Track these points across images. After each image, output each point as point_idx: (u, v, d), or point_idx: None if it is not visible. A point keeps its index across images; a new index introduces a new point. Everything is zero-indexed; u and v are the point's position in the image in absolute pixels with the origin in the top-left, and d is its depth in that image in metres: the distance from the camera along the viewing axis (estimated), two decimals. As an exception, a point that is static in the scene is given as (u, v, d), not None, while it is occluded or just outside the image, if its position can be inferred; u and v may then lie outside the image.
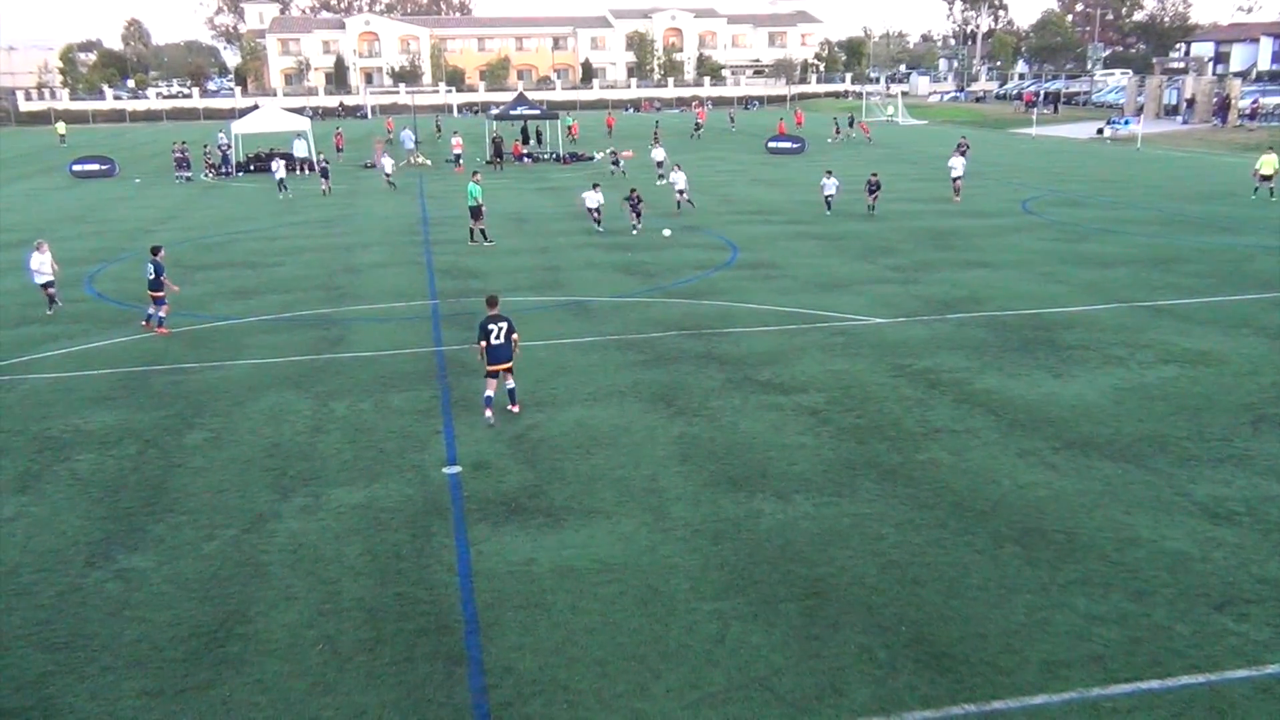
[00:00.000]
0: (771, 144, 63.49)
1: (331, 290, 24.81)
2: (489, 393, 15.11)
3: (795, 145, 62.27)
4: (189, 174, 52.87)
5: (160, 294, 20.93)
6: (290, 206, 41.07)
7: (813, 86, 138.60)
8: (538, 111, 62.47)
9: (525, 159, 59.06)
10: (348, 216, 38.10)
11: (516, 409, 15.39)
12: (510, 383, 15.35)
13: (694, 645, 9.28)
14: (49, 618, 10.01)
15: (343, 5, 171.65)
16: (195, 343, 20.13)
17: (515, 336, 15.23)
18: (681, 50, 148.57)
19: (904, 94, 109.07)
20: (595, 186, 34.08)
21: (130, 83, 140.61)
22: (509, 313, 16.10)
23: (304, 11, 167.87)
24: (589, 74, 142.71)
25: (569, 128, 68.29)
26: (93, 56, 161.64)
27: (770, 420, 15.09)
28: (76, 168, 56.01)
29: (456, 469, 13.47)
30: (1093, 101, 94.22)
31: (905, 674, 8.78)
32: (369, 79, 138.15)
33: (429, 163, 57.75)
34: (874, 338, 19.46)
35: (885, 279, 24.83)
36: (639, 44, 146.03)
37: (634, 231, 31.94)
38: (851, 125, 75.55)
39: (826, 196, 35.98)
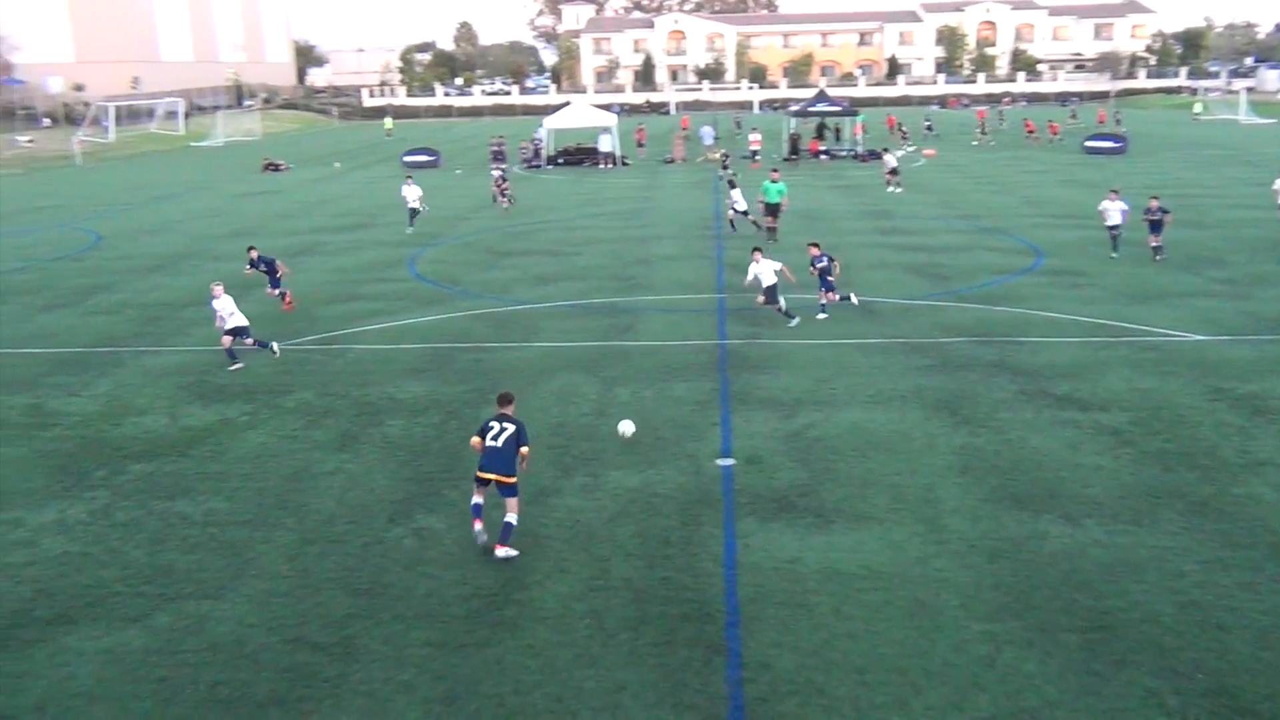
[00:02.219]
0: (1089, 144, 59.43)
1: (624, 280, 25.69)
2: (476, 499, 11.32)
3: (1117, 145, 57.94)
4: (505, 166, 56.44)
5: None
6: (592, 199, 42.89)
7: (1140, 82, 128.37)
8: (838, 108, 61.70)
9: (822, 155, 58.55)
10: (645, 209, 39.29)
11: (503, 552, 10.99)
12: (511, 514, 11.13)
13: (960, 665, 8.88)
14: (355, 565, 11.03)
15: (653, 5, 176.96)
16: (498, 324, 21.47)
17: (524, 451, 11.30)
18: (995, 44, 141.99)
19: (1249, 90, 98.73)
20: (733, 186, 33.29)
21: (458, 81, 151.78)
22: (793, 306, 15.98)
23: (617, 12, 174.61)
24: (894, 70, 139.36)
25: (857, 126, 66.86)
26: (427, 57, 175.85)
27: (1064, 437, 14.15)
28: (407, 158, 61.19)
29: (730, 462, 13.59)
30: None
31: (1198, 726, 8.00)
32: (674, 76, 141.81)
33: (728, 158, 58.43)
34: (1191, 356, 17.80)
35: (1210, 292, 22.62)
36: (949, 38, 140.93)
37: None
38: (1075, 116, 68.85)
39: (1111, 229, 26.80)
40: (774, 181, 30.99)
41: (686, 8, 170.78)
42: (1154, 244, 26.02)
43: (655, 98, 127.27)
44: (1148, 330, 19.53)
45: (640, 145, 63.51)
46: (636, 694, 8.64)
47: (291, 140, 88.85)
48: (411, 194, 34.20)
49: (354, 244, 32.59)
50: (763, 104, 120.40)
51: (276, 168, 60.75)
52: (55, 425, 15.82)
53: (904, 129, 68.52)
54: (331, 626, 9.82)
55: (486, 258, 29.59)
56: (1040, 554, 10.82)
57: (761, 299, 20.40)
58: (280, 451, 14.45)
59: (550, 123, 59.37)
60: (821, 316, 21.03)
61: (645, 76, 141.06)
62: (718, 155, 59.13)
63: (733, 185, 33.22)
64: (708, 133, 62.92)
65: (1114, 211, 26.59)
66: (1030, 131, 68.15)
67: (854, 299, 21.70)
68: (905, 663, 8.94)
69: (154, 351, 19.96)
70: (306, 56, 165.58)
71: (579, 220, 36.73)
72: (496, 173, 40.91)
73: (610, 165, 55.74)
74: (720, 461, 13.62)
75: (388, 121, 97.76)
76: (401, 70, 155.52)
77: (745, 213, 32.01)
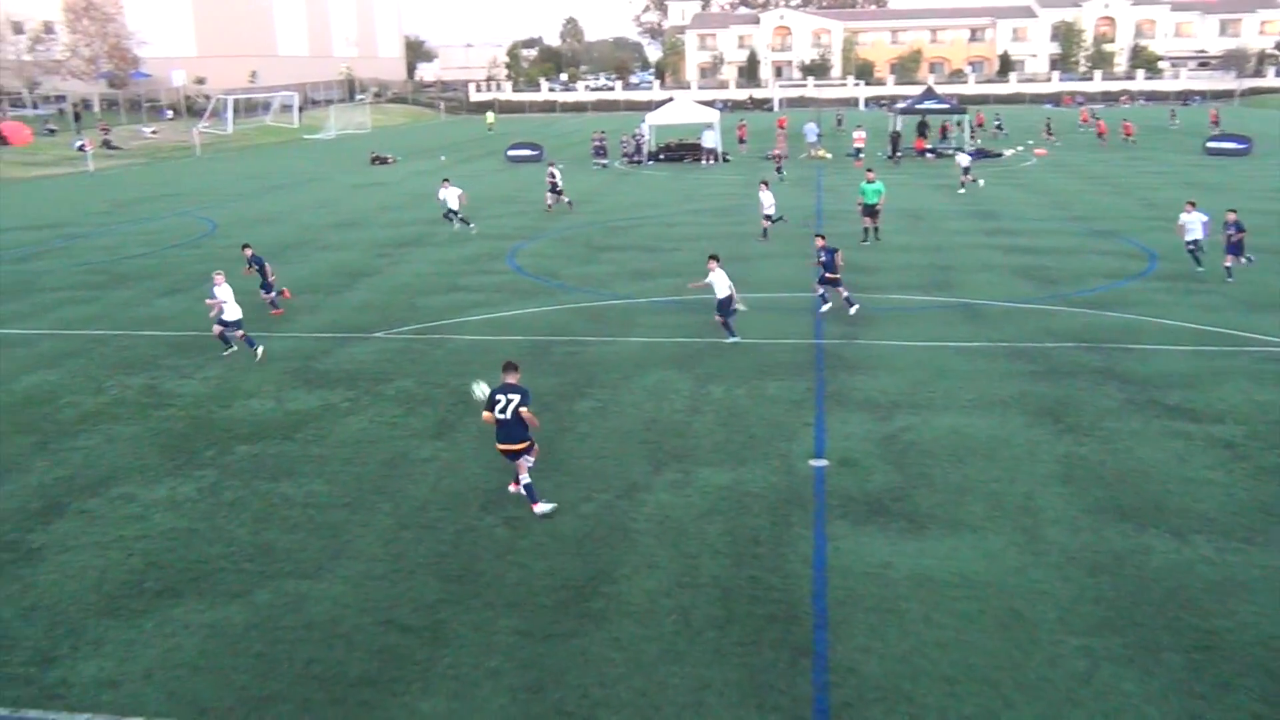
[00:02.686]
0: (1211, 144, 57.07)
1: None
2: (525, 479, 12.07)
3: (1241, 146, 55.51)
4: (605, 161, 56.83)
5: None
6: (691, 195, 42.82)
7: (1269, 80, 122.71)
8: (946, 105, 60.40)
9: (928, 154, 57.44)
10: (745, 206, 39.05)
11: (541, 508, 11.95)
12: (524, 475, 11.97)
13: (1055, 680, 8.63)
14: (447, 552, 11.23)
15: (759, 1, 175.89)
16: (594, 318, 21.60)
17: (525, 411, 11.75)
18: (1114, 40, 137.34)
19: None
20: (765, 184, 32.54)
21: (563, 77, 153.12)
22: (891, 310, 15.73)
23: (723, 8, 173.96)
24: (1006, 66, 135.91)
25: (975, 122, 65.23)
26: (534, 53, 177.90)
27: (1174, 449, 13.63)
28: (511, 153, 61.98)
29: (823, 463, 13.44)
30: None
31: (1310, 756, 7.63)
32: (779, 72, 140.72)
33: (829, 156, 57.82)
34: (1315, 368, 16.97)
35: (1338, 302, 21.52)
36: (1065, 34, 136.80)
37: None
38: (1174, 116, 64.38)
39: (1190, 244, 24.67)
40: (870, 182, 30.38)
41: (793, 3, 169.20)
42: (1228, 264, 23.49)
43: (759, 94, 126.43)
44: (1272, 340, 18.68)
45: (742, 142, 63.16)
46: (721, 693, 8.61)
47: (399, 134, 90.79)
48: (450, 196, 33.62)
49: (457, 236, 33.15)
50: (868, 101, 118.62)
51: (384, 161, 62.16)
52: (169, 405, 16.47)
53: (999, 124, 66.40)
54: (423, 610, 10.01)
55: (585, 252, 29.80)
56: (1144, 569, 10.45)
57: (719, 318, 19.47)
58: (379, 437, 14.79)
59: (653, 118, 59.47)
60: (825, 308, 21.32)
61: (749, 73, 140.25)
62: (820, 153, 58.52)
63: (765, 186, 32.35)
64: (811, 130, 62.19)
65: (1194, 225, 24.54)
66: (1101, 133, 65.26)
67: (852, 310, 21.14)
68: (997, 675, 8.73)
69: (262, 337, 20.59)
70: (416, 52, 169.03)
71: (678, 216, 36.72)
72: (551, 169, 40.23)
73: (711, 161, 55.58)
74: (813, 462, 13.48)
75: (489, 116, 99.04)
76: (508, 66, 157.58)
77: (780, 218, 31.41)
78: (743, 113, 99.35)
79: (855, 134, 58.20)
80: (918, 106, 59.64)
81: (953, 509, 11.98)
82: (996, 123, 72.59)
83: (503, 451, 12.05)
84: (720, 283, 19.30)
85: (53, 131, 75.40)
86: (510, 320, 21.59)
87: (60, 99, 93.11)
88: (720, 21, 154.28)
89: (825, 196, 41.49)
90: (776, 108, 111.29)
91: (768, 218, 31.16)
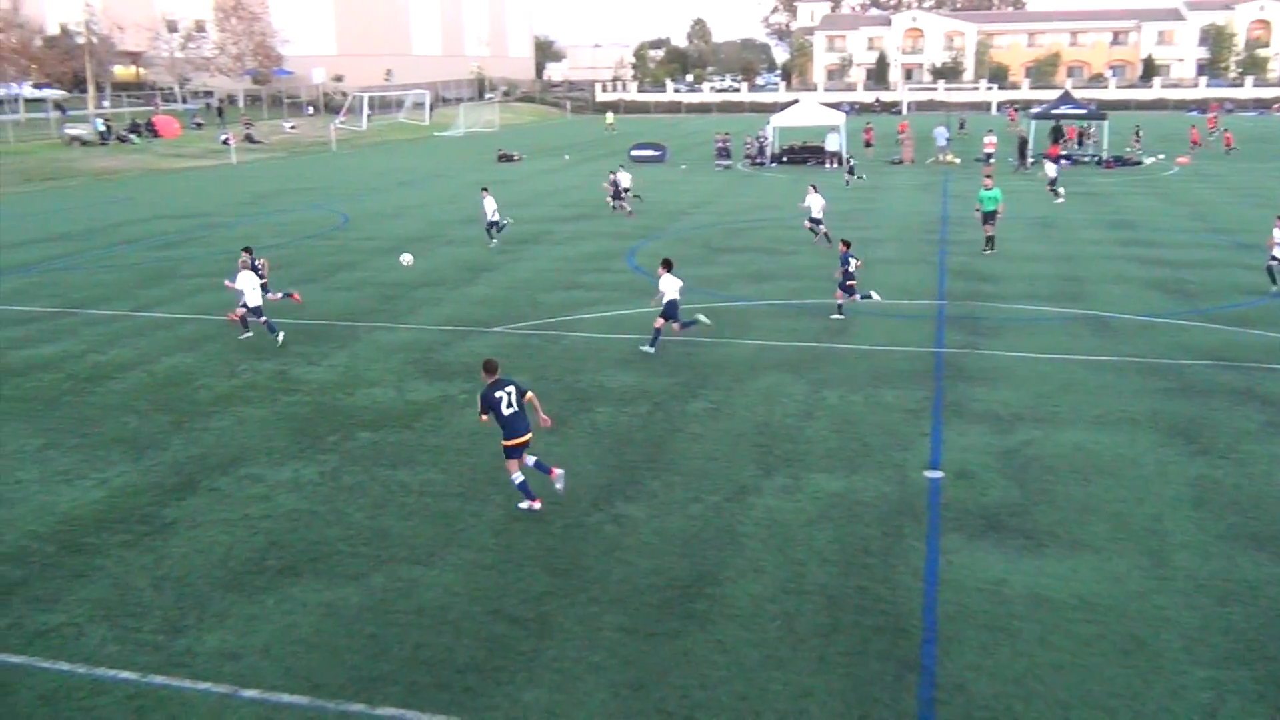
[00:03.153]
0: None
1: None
2: (519, 477, 12.23)
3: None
4: (729, 162, 56.70)
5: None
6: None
7: None
8: (1083, 111, 58.37)
9: (1062, 161, 55.53)
10: (868, 210, 38.49)
11: (559, 473, 12.32)
12: (518, 474, 12.21)
13: (1177, 711, 8.25)
14: (555, 546, 11.36)
15: (891, 3, 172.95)
16: (710, 319, 21.51)
17: (530, 395, 12.29)
18: (1268, 45, 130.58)
19: None
20: (814, 188, 31.50)
21: (689, 78, 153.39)
22: (1015, 320, 15.27)
23: (853, 9, 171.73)
24: (1150, 71, 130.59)
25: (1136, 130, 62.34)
26: (660, 53, 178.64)
27: (1318, 476, 12.88)
28: (635, 152, 62.37)
29: (939, 474, 13.14)
30: None
31: None
32: (908, 75, 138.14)
33: (957, 161, 56.51)
34: None
35: None
36: (1215, 38, 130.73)
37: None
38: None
39: (1275, 259, 23.14)
40: (988, 189, 29.35)
41: (925, 5, 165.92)
42: None
43: (887, 97, 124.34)
44: None
45: (868, 145, 62.24)
46: (823, 702, 8.49)
47: (526, 132, 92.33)
48: (489, 206, 31.45)
49: (577, 234, 33.53)
50: (1001, 105, 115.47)
51: (510, 158, 63.30)
52: (296, 391, 17.09)
53: (1139, 133, 63.52)
54: (529, 602, 10.15)
55: (704, 253, 29.77)
56: (1279, 600, 9.91)
57: (673, 324, 18.99)
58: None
59: (777, 120, 59.08)
60: (836, 317, 21.08)
61: (878, 75, 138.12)
62: (949, 158, 57.21)
63: (814, 189, 31.45)
64: (941, 133, 60.81)
65: None
66: (1194, 143, 61.76)
67: (875, 295, 21.41)
68: (1115, 703, 8.38)
69: (387, 328, 21.21)
70: (545, 52, 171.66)
71: (799, 219, 36.33)
72: (612, 175, 39.63)
73: (835, 165, 54.91)
74: (928, 473, 13.18)
75: (609, 116, 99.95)
76: (634, 66, 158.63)
77: (818, 220, 30.41)
78: (870, 116, 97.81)
79: (985, 139, 56.68)
80: (1053, 111, 57.79)
81: (1074, 528, 11.56)
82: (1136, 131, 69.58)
83: (515, 446, 12.08)
84: (671, 287, 18.89)
85: (200, 126, 79.13)
86: (626, 319, 21.72)
87: (208, 94, 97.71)
88: (850, 23, 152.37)
89: (951, 203, 40.54)
90: (905, 111, 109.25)
91: (816, 221, 30.38)
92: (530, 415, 12.33)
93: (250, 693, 8.72)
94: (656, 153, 61.83)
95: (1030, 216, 35.49)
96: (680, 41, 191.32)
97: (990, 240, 29.02)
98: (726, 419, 15.35)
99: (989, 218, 28.97)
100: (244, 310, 20.04)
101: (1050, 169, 41.52)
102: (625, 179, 39.35)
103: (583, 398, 16.46)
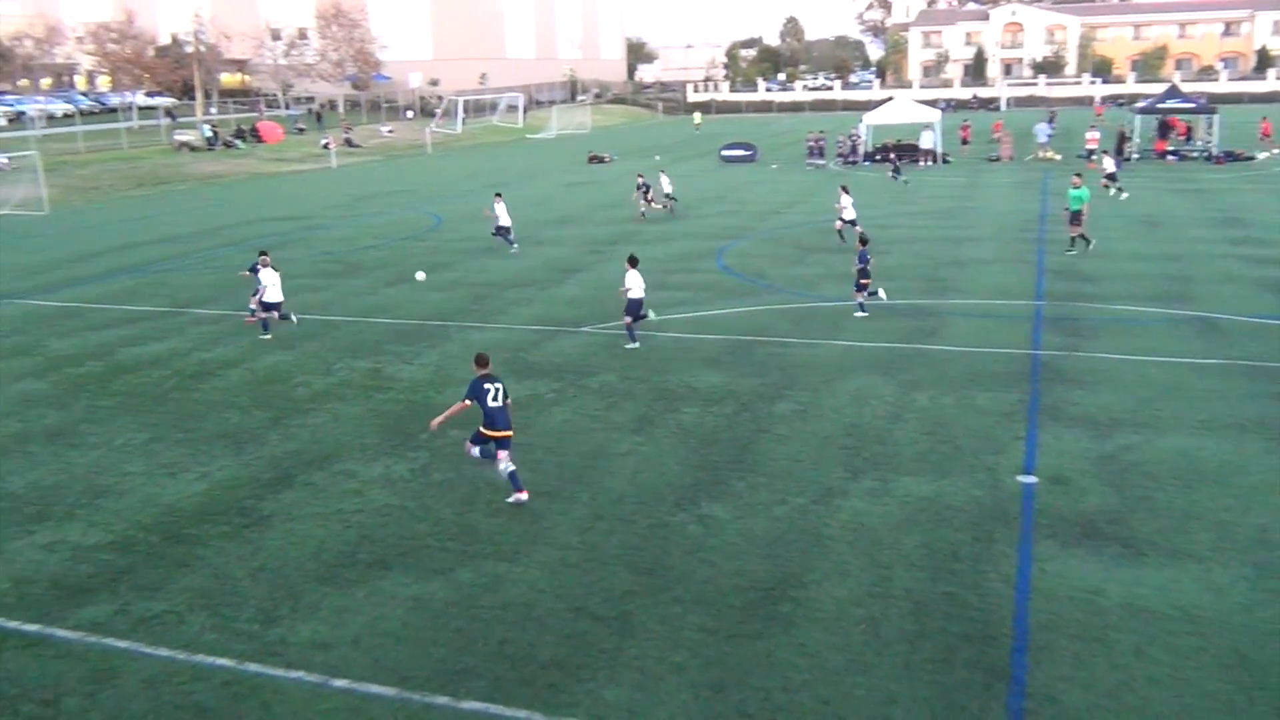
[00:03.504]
0: None
1: (933, 282, 24.81)
2: (509, 467, 12.43)
3: None
4: (821, 161, 56.14)
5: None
6: (907, 196, 41.67)
7: None
8: (1191, 105, 56.25)
9: (1169, 156, 53.68)
10: (963, 209, 37.73)
11: (523, 496, 12.47)
12: (507, 464, 12.42)
13: (1284, 730, 7.90)
14: (639, 545, 11.39)
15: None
16: (799, 320, 21.38)
17: (509, 402, 12.53)
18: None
19: None
20: (845, 189, 30.61)
21: (781, 76, 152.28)
22: (1117, 322, 14.80)
23: (950, 4, 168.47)
24: (1264, 62, 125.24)
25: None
26: (752, 53, 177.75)
27: None
28: (725, 152, 62.19)
29: (1032, 479, 12.80)
30: None
31: None
32: (1008, 70, 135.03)
33: (1058, 157, 55.01)
34: None
35: None
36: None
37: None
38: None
39: None
40: (1076, 188, 28.32)
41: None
42: None
43: (984, 93, 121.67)
44: None
45: (965, 143, 61.02)
46: (908, 709, 8.35)
47: (617, 134, 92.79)
48: (502, 212, 31.18)
49: (666, 235, 33.56)
50: (1104, 99, 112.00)
51: (601, 160, 63.69)
52: (389, 389, 17.45)
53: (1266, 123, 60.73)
54: (612, 601, 10.19)
55: (794, 253, 29.54)
56: (1398, 618, 9.41)
57: (629, 319, 19.34)
58: (581, 429, 15.16)
59: (870, 118, 58.28)
60: (860, 315, 20.95)
61: (976, 71, 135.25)
62: (1049, 154, 55.74)
63: (845, 190, 30.60)
64: (1042, 129, 59.17)
65: None
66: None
67: (882, 294, 21.80)
68: (1214, 718, 8.06)
69: (477, 327, 21.52)
70: (638, 53, 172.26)
71: (892, 218, 35.81)
72: (640, 178, 39.32)
73: (931, 163, 53.95)
74: (1022, 478, 12.86)
75: (696, 117, 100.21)
76: (726, 66, 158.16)
77: (853, 223, 29.34)
78: (966, 113, 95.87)
79: (1089, 134, 55.02)
80: (1159, 105, 55.84)
81: (1175, 537, 11.15)
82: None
83: (496, 437, 12.38)
84: (636, 284, 19.15)
85: (301, 130, 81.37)
86: (714, 319, 21.66)
87: (309, 100, 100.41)
88: (946, 18, 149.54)
89: (1051, 201, 39.46)
90: (1004, 107, 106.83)
91: (850, 223, 29.47)
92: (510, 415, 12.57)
93: (340, 682, 8.94)
94: (747, 152, 61.54)
95: (1134, 214, 34.35)
96: (773, 40, 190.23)
97: (1077, 240, 27.99)
98: (814, 420, 15.19)
99: (1075, 218, 28.02)
100: (260, 309, 21.10)
101: (1109, 163, 40.18)
102: (666, 183, 39.41)
103: (669, 397, 16.46)
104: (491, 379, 12.49)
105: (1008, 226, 33.30)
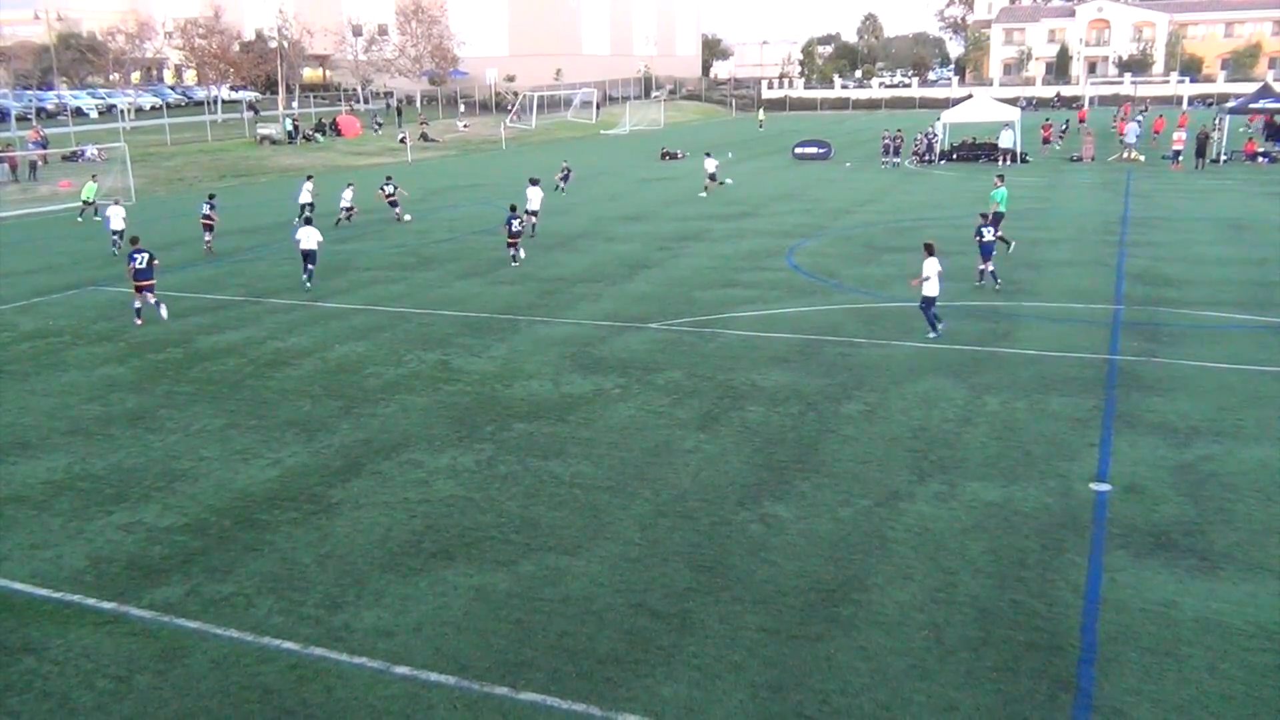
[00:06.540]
0: None
1: (1008, 283, 24.30)
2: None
3: None
4: (896, 160, 55.42)
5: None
6: (983, 197, 40.74)
7: None
8: (1285, 104, 54.36)
9: (1259, 158, 51.97)
10: (1042, 210, 36.95)
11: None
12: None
13: (1365, 755, 7.60)
14: (701, 542, 11.36)
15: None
16: (869, 320, 21.13)
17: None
18: None
19: None
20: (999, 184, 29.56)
21: (858, 73, 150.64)
22: (1199, 328, 14.24)
23: (1034, 1, 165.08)
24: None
25: None
26: (830, 49, 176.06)
27: None
28: (798, 150, 61.77)
29: (1105, 487, 12.50)
30: None
31: None
32: (1092, 68, 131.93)
33: (1142, 158, 53.63)
34: None
35: None
36: None
37: None
38: None
39: None
40: (996, 188, 27.02)
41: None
42: None
43: (1067, 91, 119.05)
44: None
45: (1046, 142, 59.77)
46: (969, 716, 8.20)
47: (691, 130, 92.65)
48: (534, 196, 33.50)
49: (736, 232, 33.43)
50: (1193, 99, 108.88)
51: (674, 156, 63.63)
52: (457, 381, 17.65)
53: None
54: (672, 597, 10.18)
55: (865, 252, 29.22)
56: None
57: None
58: (645, 425, 15.17)
59: (948, 116, 57.45)
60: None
61: (1059, 69, 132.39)
62: (1134, 155, 54.32)
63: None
64: (1131, 129, 57.65)
65: None
66: None
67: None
68: (1293, 740, 7.80)
69: (545, 322, 21.65)
70: (713, 50, 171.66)
71: (966, 219, 35.16)
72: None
73: (1010, 162, 52.94)
74: (1095, 486, 12.56)
75: (760, 114, 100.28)
76: (802, 63, 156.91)
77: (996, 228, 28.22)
78: (1049, 111, 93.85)
79: (1175, 135, 53.52)
80: (1251, 105, 54.12)
81: (1254, 550, 10.80)
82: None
83: None
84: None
85: (380, 125, 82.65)
86: (782, 318, 21.52)
87: (388, 95, 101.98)
88: (1030, 15, 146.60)
89: (1133, 203, 38.48)
90: (1088, 106, 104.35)
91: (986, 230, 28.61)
92: None
93: (402, 669, 9.06)
94: (820, 150, 61.05)
95: (1220, 218, 33.33)
96: (850, 37, 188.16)
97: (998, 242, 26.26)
98: (881, 422, 15.01)
99: (997, 219, 26.14)
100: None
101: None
102: (711, 165, 43.09)
103: (735, 395, 16.40)
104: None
105: (1087, 229, 32.55)
